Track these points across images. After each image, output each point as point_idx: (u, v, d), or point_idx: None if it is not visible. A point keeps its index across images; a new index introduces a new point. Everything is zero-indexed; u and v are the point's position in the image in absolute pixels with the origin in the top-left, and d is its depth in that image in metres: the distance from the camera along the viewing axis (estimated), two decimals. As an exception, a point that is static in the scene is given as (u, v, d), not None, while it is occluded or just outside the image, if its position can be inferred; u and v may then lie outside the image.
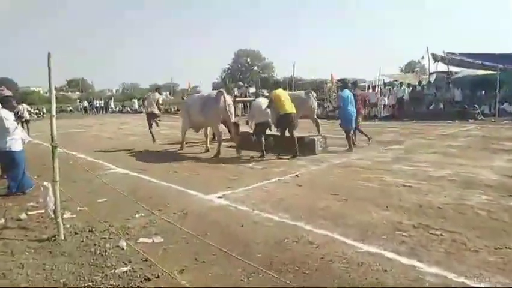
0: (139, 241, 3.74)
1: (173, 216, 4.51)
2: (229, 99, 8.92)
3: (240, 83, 37.45)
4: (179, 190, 5.72)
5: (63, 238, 3.78)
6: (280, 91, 8.57)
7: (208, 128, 9.74)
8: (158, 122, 10.84)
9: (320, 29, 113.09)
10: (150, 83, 68.67)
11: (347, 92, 9.12)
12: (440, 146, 9.17)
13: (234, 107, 9.61)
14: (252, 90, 31.20)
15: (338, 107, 9.54)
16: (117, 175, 6.99)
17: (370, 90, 24.23)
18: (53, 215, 3.86)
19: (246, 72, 62.89)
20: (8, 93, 5.76)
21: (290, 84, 26.01)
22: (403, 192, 5.20)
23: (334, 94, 24.58)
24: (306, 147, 8.47)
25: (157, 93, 11.52)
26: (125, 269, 3.10)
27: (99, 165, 8.08)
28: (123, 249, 3.55)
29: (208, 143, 9.80)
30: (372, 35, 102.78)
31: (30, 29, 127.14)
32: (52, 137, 3.69)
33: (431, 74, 23.87)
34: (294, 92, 11.59)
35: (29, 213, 4.72)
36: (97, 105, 39.48)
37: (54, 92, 3.73)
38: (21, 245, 3.66)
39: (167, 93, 45.90)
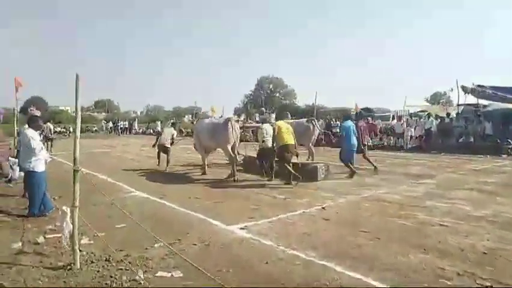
0: (157, 275, 3.51)
1: (193, 247, 4.27)
2: (236, 126, 9.43)
3: (263, 108, 37.61)
4: (200, 218, 5.49)
5: (79, 267, 3.58)
6: (281, 123, 8.85)
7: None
8: (168, 153, 11.31)
9: (343, 58, 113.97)
10: (174, 106, 70.32)
11: (348, 123, 9.42)
12: (474, 182, 8.65)
13: (245, 133, 10.25)
14: (274, 116, 31.28)
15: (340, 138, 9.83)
16: (137, 199, 6.85)
17: (395, 121, 23.81)
18: (65, 243, 3.69)
19: (267, 99, 63.34)
20: (37, 113, 5.81)
21: (312, 112, 25.84)
22: (440, 232, 4.80)
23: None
24: (308, 174, 8.65)
25: (172, 128, 12.04)
26: (141, 307, 2.86)
27: (120, 187, 7.98)
28: (140, 283, 3.32)
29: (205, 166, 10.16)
30: (398, 64, 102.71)
31: (60, 50, 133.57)
32: (74, 160, 3.57)
33: (458, 105, 23.29)
34: (297, 120, 12.04)
35: (47, 236, 4.58)
36: (122, 126, 40.29)
37: (79, 113, 3.64)
38: (35, 272, 3.48)
39: (190, 116, 46.53)
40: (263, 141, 8.90)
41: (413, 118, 21.13)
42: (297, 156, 9.02)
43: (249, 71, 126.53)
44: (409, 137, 18.69)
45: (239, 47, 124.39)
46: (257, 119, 26.81)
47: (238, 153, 10.08)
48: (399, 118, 21.22)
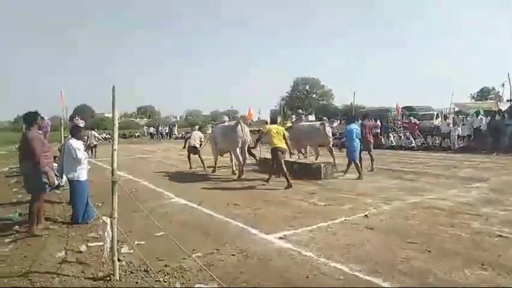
0: (194, 287, 3.42)
1: (232, 258, 4.16)
2: (246, 128, 10.25)
3: (300, 110, 37.20)
4: (238, 227, 5.39)
5: (118, 278, 3.58)
6: (272, 126, 9.28)
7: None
8: (199, 154, 12.30)
9: (384, 56, 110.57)
10: (211, 110, 71.48)
11: (353, 126, 9.85)
12: (535, 186, 7.91)
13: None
14: (311, 118, 30.75)
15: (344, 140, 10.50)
16: (176, 206, 6.87)
17: (439, 120, 22.61)
18: (105, 253, 3.70)
19: (304, 100, 62.67)
20: (81, 123, 5.97)
21: (350, 112, 25.13)
22: (499, 245, 4.36)
23: (400, 123, 23.32)
24: (312, 172, 9.51)
25: (199, 132, 12.89)
26: (178, 324, 2.77)
27: (160, 194, 8.08)
28: (178, 296, 3.25)
29: (233, 166, 10.82)
30: (440, 60, 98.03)
31: (105, 59, 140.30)
32: (112, 171, 3.57)
33: (511, 101, 21.73)
34: (310, 123, 12.97)
35: (89, 244, 4.66)
36: (162, 131, 41.39)
37: (117, 124, 3.65)
38: (77, 282, 3.53)
39: (227, 118, 46.96)
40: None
41: (460, 116, 19.91)
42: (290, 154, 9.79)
43: (285, 72, 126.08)
44: (456, 137, 17.60)
45: (275, 48, 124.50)
46: (293, 120, 26.54)
47: (250, 154, 11.01)
48: (445, 117, 20.07)
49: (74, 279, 3.60)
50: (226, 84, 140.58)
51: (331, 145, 11.37)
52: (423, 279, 3.45)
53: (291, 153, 9.91)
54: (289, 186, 8.20)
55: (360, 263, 3.90)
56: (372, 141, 11.18)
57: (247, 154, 10.46)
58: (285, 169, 8.52)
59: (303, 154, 12.08)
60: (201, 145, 12.16)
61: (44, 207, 5.51)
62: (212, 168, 11.40)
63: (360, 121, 10.74)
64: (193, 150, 12.15)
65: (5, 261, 4.16)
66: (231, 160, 11.05)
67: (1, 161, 15.63)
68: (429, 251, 4.17)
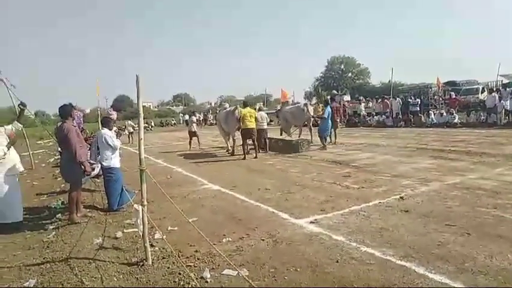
0: (223, 273, 3.46)
1: (261, 243, 4.16)
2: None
3: (334, 91, 36.35)
4: (268, 211, 5.37)
5: (150, 263, 3.69)
6: (245, 110, 10.97)
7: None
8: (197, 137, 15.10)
9: (422, 27, 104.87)
10: (245, 95, 71.49)
11: (329, 108, 12.24)
12: None
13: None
14: (347, 98, 29.94)
15: (322, 119, 12.26)
16: (209, 191, 6.97)
17: (485, 94, 21.21)
18: (141, 238, 3.82)
19: (339, 80, 60.91)
20: (114, 116, 6.15)
21: (388, 90, 24.17)
22: (549, 227, 4.04)
23: (441, 99, 22.17)
24: (292, 147, 11.62)
25: (193, 118, 15.74)
26: (206, 309, 2.82)
27: (193, 180, 8.23)
28: (207, 281, 3.30)
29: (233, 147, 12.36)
30: (484, 29, 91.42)
31: (141, 51, 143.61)
32: (140, 161, 3.64)
33: None
34: (292, 106, 14.96)
35: (125, 231, 4.84)
36: (197, 117, 41.98)
37: (142, 114, 3.70)
38: (112, 268, 3.67)
39: (261, 104, 46.89)
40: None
41: (508, 89, 18.56)
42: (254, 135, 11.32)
43: (319, 52, 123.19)
44: (503, 111, 16.45)
45: (309, 30, 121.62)
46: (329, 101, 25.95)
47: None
48: (491, 90, 18.74)
49: (109, 264, 3.76)
50: (258, 67, 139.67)
51: (311, 124, 13.69)
52: (461, 265, 3.27)
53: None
54: (245, 157, 10.66)
55: (393, 247, 3.76)
56: (338, 120, 14.54)
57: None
58: (246, 147, 10.92)
59: (287, 133, 14.12)
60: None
61: (82, 196, 5.74)
62: (228, 149, 12.75)
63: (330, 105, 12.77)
64: (192, 134, 14.78)
65: (49, 247, 4.42)
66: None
67: (48, 153, 16.59)
68: (469, 234, 3.95)
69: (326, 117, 11.87)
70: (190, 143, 14.97)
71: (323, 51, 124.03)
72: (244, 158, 10.66)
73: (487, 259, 3.35)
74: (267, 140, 12.18)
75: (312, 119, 13.72)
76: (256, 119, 10.99)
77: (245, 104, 11.82)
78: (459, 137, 12.88)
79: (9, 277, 3.64)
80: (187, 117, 43.82)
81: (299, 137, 13.53)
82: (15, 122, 5.61)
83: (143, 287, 3.29)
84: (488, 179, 6.36)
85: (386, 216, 4.79)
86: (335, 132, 13.51)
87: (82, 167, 5.12)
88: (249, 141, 11.24)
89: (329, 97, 20.83)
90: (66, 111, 5.47)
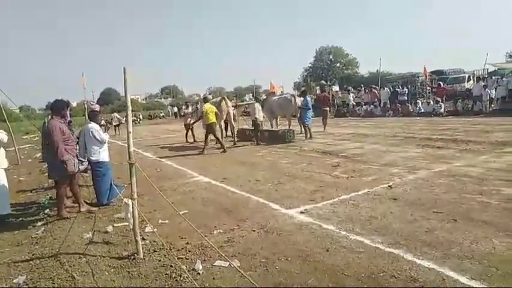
0: (215, 264, 3.47)
1: (252, 234, 4.18)
2: (229, 103, 12.71)
3: (323, 81, 36.40)
4: (259, 202, 5.40)
5: (142, 257, 3.69)
6: (208, 105, 11.20)
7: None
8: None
9: (408, 17, 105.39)
10: (234, 86, 71.19)
11: (308, 98, 12.84)
12: None
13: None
14: (336, 88, 30.01)
15: (301, 109, 12.53)
16: (199, 184, 6.96)
17: (471, 82, 21.49)
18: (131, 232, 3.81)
19: (328, 70, 60.97)
20: (97, 108, 6.05)
21: (376, 80, 24.33)
22: (532, 211, 4.15)
23: (428, 88, 22.39)
24: (279, 137, 12.04)
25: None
26: (198, 300, 2.83)
27: (183, 172, 8.21)
28: (198, 273, 3.31)
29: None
30: (468, 19, 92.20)
31: (127, 43, 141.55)
32: (129, 154, 3.61)
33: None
34: (279, 96, 14.72)
35: (115, 225, 4.81)
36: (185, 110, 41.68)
37: (130, 107, 3.66)
38: (103, 262, 3.66)
39: (250, 95, 46.70)
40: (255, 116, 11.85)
41: (494, 78, 18.82)
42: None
43: (308, 44, 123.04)
44: (488, 99, 16.70)
45: (297, 19, 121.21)
46: (317, 92, 26.04)
47: (233, 127, 12.99)
48: (478, 79, 18.97)
49: (100, 259, 3.74)
50: (247, 59, 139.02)
51: (293, 115, 13.60)
52: (448, 250, 3.34)
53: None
54: (203, 152, 10.92)
55: (382, 235, 3.83)
56: (327, 109, 15.39)
57: (231, 124, 12.82)
58: (209, 139, 11.26)
59: (271, 124, 14.23)
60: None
61: (78, 191, 5.69)
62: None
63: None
64: (188, 127, 14.38)
65: (38, 243, 4.38)
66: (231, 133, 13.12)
67: (35, 147, 16.32)
68: (455, 221, 4.04)
69: (306, 107, 12.21)
70: (186, 135, 14.54)
71: (311, 41, 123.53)
72: (202, 152, 10.86)
73: (472, 244, 3.43)
74: (264, 133, 12.18)
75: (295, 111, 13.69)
76: (216, 114, 11.12)
77: (205, 100, 11.99)
78: (446, 126, 13.07)
79: (-3, 274, 3.60)
80: (175, 109, 43.53)
81: (289, 127, 13.47)
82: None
83: (134, 286, 3.28)
84: (474, 166, 6.49)
85: (375, 204, 4.86)
86: (325, 122, 14.17)
87: (64, 165, 5.04)
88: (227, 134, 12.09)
89: (317, 87, 21.44)
90: (58, 106, 5.37)
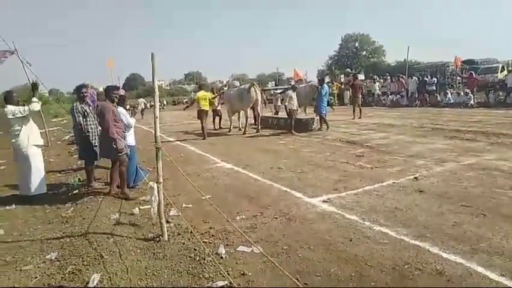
0: (238, 249, 3.52)
1: (275, 221, 4.20)
2: (258, 90, 12.22)
3: (348, 69, 35.69)
4: (282, 190, 5.40)
5: (166, 239, 3.78)
6: (200, 93, 11.74)
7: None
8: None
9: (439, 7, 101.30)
10: (257, 73, 70.86)
11: (325, 88, 12.21)
12: None
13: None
14: (361, 76, 29.38)
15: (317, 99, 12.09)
16: (222, 170, 7.02)
17: (505, 73, 20.56)
18: (154, 216, 3.90)
19: (353, 58, 59.65)
20: (122, 92, 6.21)
21: (403, 69, 23.62)
22: None
23: (459, 78, 21.60)
24: (303, 125, 11.76)
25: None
26: (221, 284, 2.88)
27: (206, 158, 8.30)
28: (222, 257, 3.36)
29: (240, 125, 13.15)
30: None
31: (154, 31, 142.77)
32: (156, 139, 3.67)
33: None
34: (306, 84, 14.31)
35: (141, 207, 4.93)
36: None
37: (157, 92, 3.71)
38: (129, 243, 3.77)
39: (273, 82, 46.44)
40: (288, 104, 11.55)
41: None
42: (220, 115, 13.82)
43: (333, 31, 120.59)
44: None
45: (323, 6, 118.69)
46: (342, 80, 25.56)
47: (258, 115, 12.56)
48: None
49: (127, 239, 3.86)
50: (270, 47, 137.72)
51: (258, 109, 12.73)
52: (476, 245, 3.26)
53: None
54: (204, 138, 11.23)
55: (407, 227, 3.76)
56: (360, 97, 15.19)
57: (257, 112, 12.45)
58: (204, 126, 11.47)
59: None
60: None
61: (96, 173, 5.87)
62: (230, 129, 13.02)
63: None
64: (216, 113, 14.19)
65: (68, 222, 4.56)
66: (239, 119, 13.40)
67: (63, 130, 16.86)
68: (485, 215, 3.92)
69: (323, 95, 11.80)
70: (213, 121, 14.35)
71: (337, 28, 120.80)
72: (204, 138, 11.28)
73: (502, 240, 3.33)
74: (293, 122, 11.48)
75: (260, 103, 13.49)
76: (210, 101, 11.89)
77: (200, 88, 12.73)
78: (476, 117, 12.62)
79: (31, 250, 3.77)
80: (199, 95, 43.96)
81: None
82: (33, 99, 5.65)
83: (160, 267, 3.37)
84: (506, 160, 6.25)
85: (400, 196, 4.78)
86: (359, 109, 14.49)
87: (114, 144, 5.20)
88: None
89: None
90: (109, 90, 5.48)
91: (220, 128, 14.16)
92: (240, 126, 13.07)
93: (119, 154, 5.29)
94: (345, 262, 3.13)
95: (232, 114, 13.16)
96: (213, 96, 13.03)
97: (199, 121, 11.58)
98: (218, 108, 14.13)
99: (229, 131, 12.88)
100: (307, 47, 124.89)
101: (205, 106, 11.56)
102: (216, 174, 6.63)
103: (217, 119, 14.44)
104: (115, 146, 5.21)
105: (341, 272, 2.98)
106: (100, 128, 5.60)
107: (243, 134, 11.94)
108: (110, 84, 5.81)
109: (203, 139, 11.18)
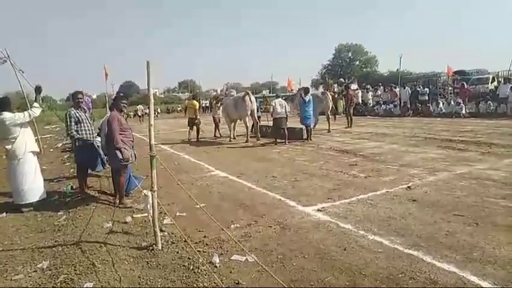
0: (232, 258, 3.50)
1: (269, 230, 4.20)
2: (253, 99, 12.27)
3: (341, 79, 35.95)
4: (276, 199, 5.40)
5: (160, 248, 3.75)
6: (190, 102, 13.25)
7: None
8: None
9: (433, 16, 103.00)
10: (251, 82, 71.22)
11: (308, 97, 11.54)
12: None
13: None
14: (354, 86, 29.62)
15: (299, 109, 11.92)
16: (216, 178, 7.01)
17: (495, 83, 20.87)
18: (150, 224, 3.87)
19: (347, 68, 60.28)
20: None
21: (396, 79, 23.88)
22: (559, 218, 4.02)
23: (450, 88, 21.89)
24: (297, 134, 11.78)
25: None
26: (216, 293, 2.86)
27: (201, 166, 8.28)
28: (216, 266, 3.34)
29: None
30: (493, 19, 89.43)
31: (147, 38, 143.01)
32: (150, 147, 3.66)
33: None
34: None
35: (135, 216, 4.90)
36: (203, 104, 42.02)
37: (152, 100, 3.71)
38: (122, 252, 3.73)
39: (268, 91, 46.66)
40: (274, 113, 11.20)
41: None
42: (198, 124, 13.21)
43: (327, 42, 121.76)
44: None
45: (316, 17, 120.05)
46: (335, 89, 25.75)
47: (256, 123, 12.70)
48: (506, 80, 18.31)
49: (120, 248, 3.82)
50: (264, 56, 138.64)
51: (328, 112, 13.48)
52: (469, 254, 3.28)
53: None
54: (189, 140, 12.61)
55: (400, 236, 3.78)
56: (351, 107, 15.58)
57: (255, 120, 12.57)
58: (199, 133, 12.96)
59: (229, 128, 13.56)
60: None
61: (89, 181, 5.83)
62: (231, 138, 12.98)
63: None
64: (217, 121, 14.33)
65: (61, 230, 4.50)
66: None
67: (56, 137, 16.72)
68: (477, 224, 3.95)
69: (306, 105, 11.31)
70: (215, 130, 14.43)
71: (331, 39, 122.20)
72: (188, 141, 12.74)
73: (495, 249, 3.35)
74: (285, 131, 11.14)
75: (330, 108, 13.73)
76: (196, 110, 12.85)
77: (193, 97, 14.21)
78: (468, 127, 12.77)
79: (23, 259, 3.72)
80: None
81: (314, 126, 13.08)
82: (35, 105, 5.59)
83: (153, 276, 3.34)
84: (497, 170, 6.32)
85: (394, 205, 4.80)
86: (350, 118, 14.78)
87: (120, 153, 5.20)
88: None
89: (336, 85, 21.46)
90: (117, 100, 5.64)
91: (217, 136, 14.19)
92: (234, 135, 13.06)
93: (123, 163, 5.29)
94: (339, 271, 3.13)
95: (231, 123, 13.15)
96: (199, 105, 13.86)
97: (192, 128, 12.83)
98: (217, 115, 14.23)
99: (229, 140, 12.78)
100: (301, 57, 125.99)
101: (191, 114, 12.73)
102: (210, 183, 6.62)
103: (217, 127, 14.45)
104: (120, 155, 5.22)
105: (335, 281, 2.98)
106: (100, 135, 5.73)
107: (245, 142, 11.87)
108: (78, 90, 6.07)
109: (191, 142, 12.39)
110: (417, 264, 3.16)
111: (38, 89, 5.78)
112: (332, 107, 14.19)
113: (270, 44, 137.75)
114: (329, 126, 13.45)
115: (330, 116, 13.66)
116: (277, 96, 12.83)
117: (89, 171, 6.49)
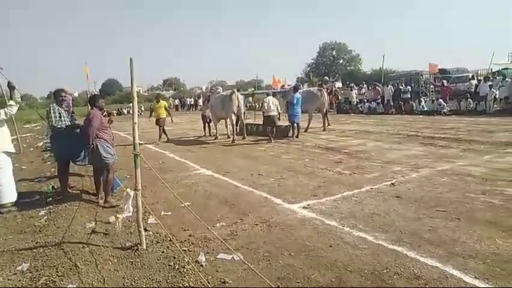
0: (218, 257, 3.48)
1: (255, 228, 4.19)
2: (240, 97, 12.26)
3: (326, 77, 36.29)
4: (262, 196, 5.40)
5: (145, 248, 3.69)
6: (161, 102, 12.86)
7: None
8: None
9: (414, 15, 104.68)
10: (236, 80, 71.03)
11: (297, 95, 11.61)
12: None
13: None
14: (339, 84, 29.88)
15: (288, 106, 11.73)
16: (202, 177, 6.96)
17: (474, 82, 21.34)
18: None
19: (331, 66, 60.73)
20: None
21: (379, 77, 24.22)
22: (536, 212, 4.14)
23: (432, 86, 22.28)
24: (282, 132, 11.92)
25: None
26: (202, 292, 2.84)
27: (186, 165, 8.21)
28: (202, 265, 3.31)
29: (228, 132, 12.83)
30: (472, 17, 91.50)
31: (130, 36, 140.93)
32: (134, 145, 3.60)
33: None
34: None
35: (118, 215, 4.80)
36: (188, 103, 41.70)
37: (136, 97, 3.65)
38: (106, 252, 3.66)
39: (253, 89, 46.60)
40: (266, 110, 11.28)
41: (497, 78, 18.69)
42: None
43: (311, 39, 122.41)
44: (493, 100, 16.58)
45: (301, 14, 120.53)
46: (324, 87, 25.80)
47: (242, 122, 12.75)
48: (486, 78, 18.75)
49: (103, 248, 3.75)
50: (250, 53, 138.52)
51: (324, 110, 13.44)
52: (451, 249, 3.34)
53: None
54: (159, 140, 12.38)
55: (385, 232, 3.83)
56: (328, 106, 15.16)
57: (241, 119, 12.66)
58: (162, 132, 12.58)
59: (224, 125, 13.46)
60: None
61: (71, 181, 5.71)
62: (216, 136, 13.01)
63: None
64: (206, 119, 13.87)
65: (42, 231, 4.39)
66: (226, 127, 13.09)
67: (36, 136, 16.32)
68: (459, 220, 4.04)
69: (294, 103, 11.29)
70: (204, 128, 14.13)
71: (315, 37, 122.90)
72: (159, 140, 12.45)
73: (476, 243, 3.43)
74: (274, 129, 11.34)
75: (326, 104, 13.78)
76: (167, 110, 12.79)
77: (159, 97, 13.75)
78: (449, 125, 13.03)
79: (1, 261, 3.60)
80: (177, 101, 43.56)
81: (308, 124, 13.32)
82: (10, 102, 5.41)
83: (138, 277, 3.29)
84: (478, 166, 6.48)
85: (378, 201, 4.86)
86: (326, 118, 13.62)
87: (99, 150, 5.20)
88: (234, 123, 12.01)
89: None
90: (95, 99, 5.62)
91: (210, 135, 13.88)
92: (229, 133, 12.71)
93: (105, 161, 5.21)
94: (325, 268, 3.15)
95: (218, 121, 13.10)
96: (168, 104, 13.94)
97: (162, 129, 12.67)
98: (207, 114, 13.79)
99: (215, 139, 12.75)
100: (286, 55, 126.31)
101: (163, 115, 12.62)
102: (195, 181, 6.56)
103: (207, 125, 14.11)
104: (99, 153, 5.17)
105: (321, 277, 2.99)
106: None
107: (232, 142, 11.48)
108: (60, 88, 5.94)
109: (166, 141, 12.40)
110: (401, 259, 3.20)
111: (10, 86, 5.64)
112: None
113: (254, 42, 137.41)
114: (325, 125, 13.41)
115: (326, 113, 13.63)
116: (267, 94, 12.76)
117: (71, 170, 6.32)
